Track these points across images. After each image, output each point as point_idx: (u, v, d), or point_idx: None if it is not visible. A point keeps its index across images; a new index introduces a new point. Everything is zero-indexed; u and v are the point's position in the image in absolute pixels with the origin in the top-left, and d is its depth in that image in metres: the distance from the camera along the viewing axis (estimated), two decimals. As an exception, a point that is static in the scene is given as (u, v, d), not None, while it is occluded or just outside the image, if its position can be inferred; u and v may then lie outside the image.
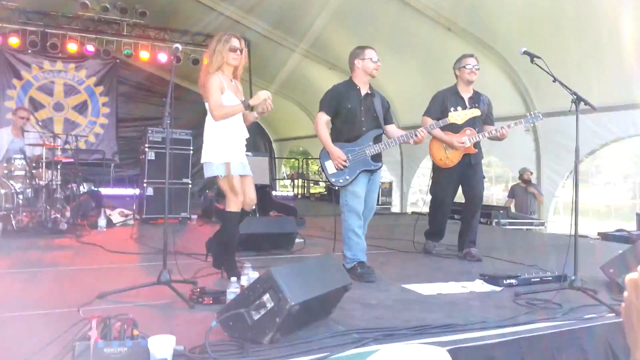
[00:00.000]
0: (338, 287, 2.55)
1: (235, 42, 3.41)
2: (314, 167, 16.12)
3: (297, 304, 2.22)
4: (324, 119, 3.92)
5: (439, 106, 4.50)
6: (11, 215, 5.36)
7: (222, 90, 3.40)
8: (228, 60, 3.41)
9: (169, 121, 3.23)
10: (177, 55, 10.14)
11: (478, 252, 4.51)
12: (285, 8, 8.86)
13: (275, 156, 15.13)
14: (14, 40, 9.48)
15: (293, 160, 17.03)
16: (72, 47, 9.83)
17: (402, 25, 7.74)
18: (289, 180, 15.76)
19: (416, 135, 3.88)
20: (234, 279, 2.79)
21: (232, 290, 2.72)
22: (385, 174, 10.43)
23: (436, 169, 4.66)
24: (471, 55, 4.57)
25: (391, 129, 4.04)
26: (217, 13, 9.80)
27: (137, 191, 6.94)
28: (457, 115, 3.99)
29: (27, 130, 6.24)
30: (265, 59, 10.90)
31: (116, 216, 6.28)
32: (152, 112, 12.27)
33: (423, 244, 4.89)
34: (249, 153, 7.34)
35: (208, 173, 3.46)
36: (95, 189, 8.16)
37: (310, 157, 14.70)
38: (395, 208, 10.27)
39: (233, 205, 3.45)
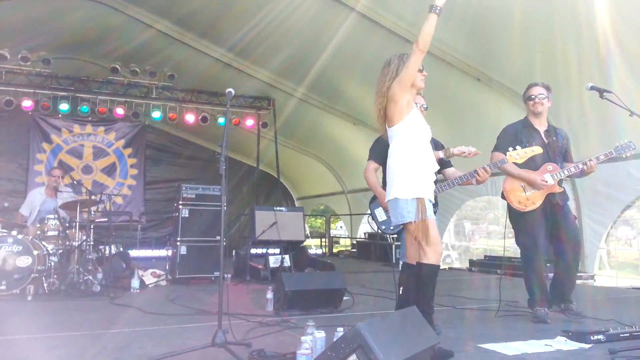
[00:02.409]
0: (428, 346, 2.24)
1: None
2: (334, 224, 15.84)
3: (390, 366, 1.93)
4: (372, 166, 3.85)
5: (512, 140, 3.91)
6: (43, 277, 5.15)
7: (410, 105, 3.02)
8: (416, 81, 3.04)
9: (224, 167, 3.04)
10: (204, 116, 10.33)
11: (578, 308, 3.88)
12: (313, 68, 8.93)
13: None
14: (45, 106, 9.66)
15: (313, 218, 16.83)
16: (101, 110, 10.00)
17: (429, 76, 7.74)
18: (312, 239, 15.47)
19: (478, 174, 3.65)
20: (304, 338, 2.49)
21: (303, 352, 2.42)
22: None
23: (516, 216, 4.01)
24: (536, 84, 4.05)
25: (450, 171, 3.89)
26: (246, 75, 9.95)
27: (166, 252, 6.70)
28: (517, 154, 3.65)
29: (61, 190, 6.16)
30: (288, 117, 10.96)
31: (148, 277, 6.03)
32: (177, 174, 12.36)
33: (533, 314, 3.91)
34: (282, 208, 7.24)
35: (397, 218, 2.96)
36: (124, 250, 7.96)
37: (332, 215, 14.46)
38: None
39: (432, 255, 2.87)
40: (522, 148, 3.67)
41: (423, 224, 2.85)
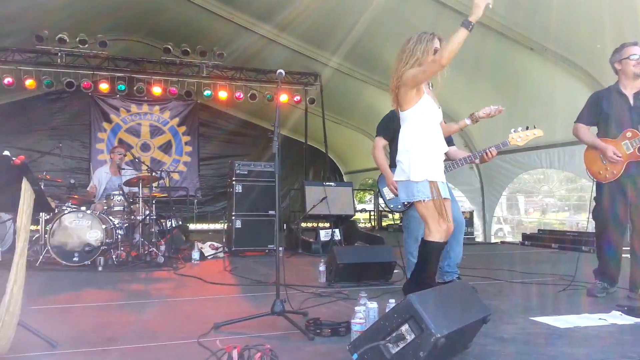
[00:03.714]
0: (479, 318, 2.32)
1: (437, 44, 3.00)
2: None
3: (442, 336, 2.02)
4: (381, 143, 3.92)
5: (593, 110, 3.71)
6: (111, 250, 5.54)
7: (420, 91, 3.05)
8: (427, 62, 2.98)
9: (278, 145, 3.16)
10: (253, 93, 10.51)
11: None
12: (354, 40, 8.89)
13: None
14: (103, 86, 10.19)
15: (362, 192, 16.89)
16: (156, 90, 10.37)
17: (473, 45, 7.50)
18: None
19: (486, 154, 3.60)
20: (357, 308, 2.62)
21: (357, 322, 2.56)
22: (465, 203, 10.00)
23: (597, 187, 3.76)
24: (635, 44, 3.67)
25: (452, 150, 3.85)
26: (291, 51, 10.03)
27: (222, 225, 7.00)
28: (518, 137, 3.54)
29: (124, 167, 6.52)
30: (334, 92, 10.98)
31: (207, 249, 6.36)
32: (228, 150, 12.74)
33: (590, 285, 3.82)
34: (332, 183, 7.37)
35: (408, 196, 3.05)
36: (183, 223, 8.38)
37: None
38: (479, 238, 9.77)
39: (437, 233, 2.96)
40: (523, 130, 3.55)
41: (431, 204, 2.94)
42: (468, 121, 3.63)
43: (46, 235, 5.36)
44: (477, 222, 9.96)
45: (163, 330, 2.92)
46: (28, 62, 9.17)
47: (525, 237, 8.81)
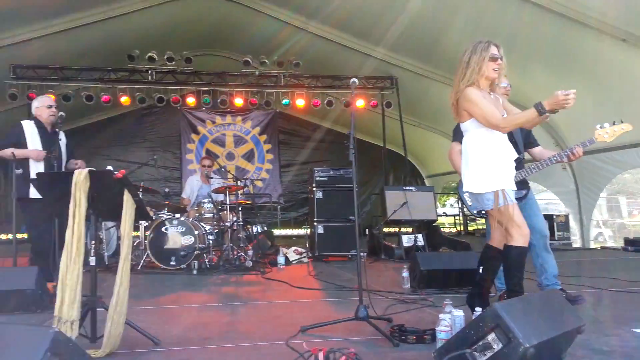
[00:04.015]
0: (572, 329, 2.22)
1: (494, 50, 2.96)
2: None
3: (531, 346, 1.96)
4: (457, 148, 3.78)
5: None
6: (204, 254, 5.89)
7: None
8: (487, 72, 2.96)
9: (354, 153, 3.21)
10: (330, 100, 10.68)
11: None
12: (430, 40, 8.74)
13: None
14: (190, 100, 10.86)
15: (445, 196, 16.47)
16: (238, 101, 10.86)
17: (563, 40, 7.08)
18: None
19: (572, 154, 3.46)
20: (442, 316, 2.61)
21: (443, 329, 2.54)
22: (559, 206, 9.43)
23: None
24: None
25: (537, 151, 3.75)
26: (366, 55, 10.07)
27: (305, 231, 7.17)
28: (605, 133, 3.27)
29: (212, 176, 6.91)
30: (411, 94, 10.85)
31: (292, 254, 6.57)
32: (308, 156, 13.02)
33: None
34: (412, 188, 7.30)
35: (478, 205, 3.06)
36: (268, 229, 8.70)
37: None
38: (576, 243, 9.15)
39: (519, 237, 2.87)
40: (610, 126, 3.27)
41: (506, 210, 2.87)
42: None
43: (146, 241, 5.82)
44: (573, 225, 9.34)
45: (254, 331, 3.08)
46: (122, 81, 9.98)
47: (628, 242, 8.15)
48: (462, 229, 12.92)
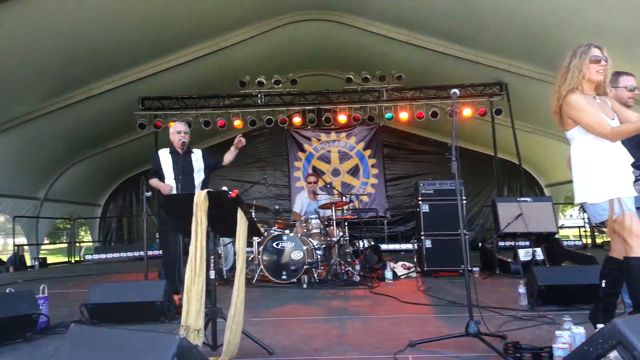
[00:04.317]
0: None
1: (596, 52, 2.82)
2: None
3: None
4: None
5: None
6: (313, 269, 6.06)
7: None
8: (590, 75, 2.80)
9: (457, 165, 3.14)
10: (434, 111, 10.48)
11: None
12: (540, 40, 8.20)
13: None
14: (296, 120, 11.36)
15: (568, 206, 15.21)
16: (342, 118, 11.10)
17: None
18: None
19: None
20: (559, 332, 2.43)
21: (560, 347, 2.36)
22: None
23: None
24: None
25: None
26: (470, 62, 9.74)
27: (412, 245, 7.05)
28: None
29: (318, 192, 7.12)
30: (523, 99, 10.24)
31: (399, 269, 6.50)
32: (413, 169, 12.86)
33: None
34: (528, 199, 6.85)
35: (594, 216, 2.84)
36: (375, 244, 8.71)
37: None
38: None
39: (638, 248, 2.64)
40: None
41: (622, 219, 2.66)
42: None
43: (259, 256, 6.14)
44: None
45: (362, 344, 3.11)
46: (235, 106, 10.70)
47: None
48: (588, 241, 11.80)
